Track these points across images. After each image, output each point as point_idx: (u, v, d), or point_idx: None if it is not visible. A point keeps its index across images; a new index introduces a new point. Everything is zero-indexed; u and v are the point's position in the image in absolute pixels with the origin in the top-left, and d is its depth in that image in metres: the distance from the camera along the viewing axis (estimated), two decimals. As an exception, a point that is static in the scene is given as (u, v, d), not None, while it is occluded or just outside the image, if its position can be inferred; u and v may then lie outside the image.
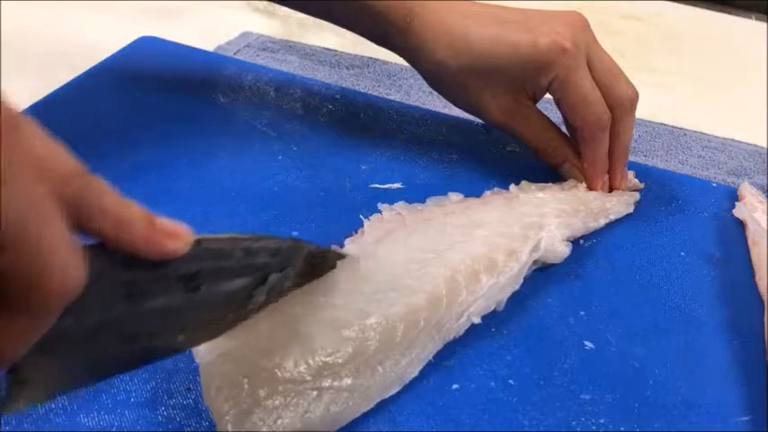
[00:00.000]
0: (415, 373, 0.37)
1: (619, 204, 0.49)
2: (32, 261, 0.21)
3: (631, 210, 0.50)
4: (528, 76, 0.47)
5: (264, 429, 0.32)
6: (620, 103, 0.46)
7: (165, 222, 0.26)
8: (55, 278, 0.22)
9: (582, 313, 0.42)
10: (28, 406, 0.26)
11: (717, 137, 0.61)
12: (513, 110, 0.49)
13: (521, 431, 0.36)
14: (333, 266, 0.37)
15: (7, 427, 0.34)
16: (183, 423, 0.35)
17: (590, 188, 0.49)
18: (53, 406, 0.35)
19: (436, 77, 0.50)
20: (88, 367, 0.27)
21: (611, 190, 0.50)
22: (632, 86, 0.47)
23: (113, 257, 0.25)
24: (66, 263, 0.22)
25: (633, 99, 0.47)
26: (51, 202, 0.22)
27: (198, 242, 0.27)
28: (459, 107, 0.53)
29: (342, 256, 0.38)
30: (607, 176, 0.49)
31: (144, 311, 0.27)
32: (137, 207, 0.25)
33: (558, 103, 0.48)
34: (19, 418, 0.34)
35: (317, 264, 0.36)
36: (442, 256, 0.41)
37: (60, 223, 0.22)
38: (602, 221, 0.48)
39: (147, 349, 0.29)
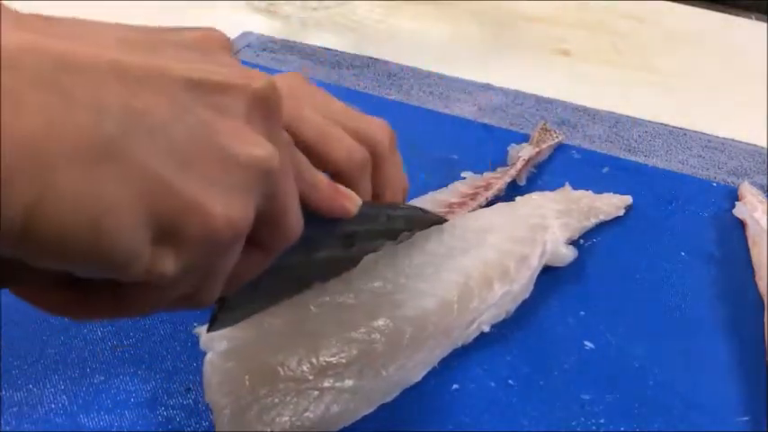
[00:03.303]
0: (419, 377, 0.37)
1: (608, 206, 0.49)
2: (279, 206, 0.25)
3: (622, 212, 0.49)
4: None
5: (261, 427, 0.32)
6: (376, 143, 0.37)
7: (343, 187, 0.31)
8: (290, 222, 0.26)
9: (582, 313, 0.42)
10: (227, 326, 0.32)
11: (717, 137, 0.61)
12: None
13: (521, 431, 0.36)
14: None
15: (7, 428, 0.34)
16: (182, 423, 0.35)
17: None
18: (53, 406, 0.35)
19: None
20: (268, 299, 0.34)
21: None
22: (382, 126, 0.38)
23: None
24: (297, 211, 0.27)
25: (383, 141, 0.37)
26: (288, 161, 0.26)
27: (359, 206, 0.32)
28: None
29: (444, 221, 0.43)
30: None
31: (312, 261, 0.33)
32: (322, 174, 0.30)
33: (304, 153, 0.36)
34: (19, 419, 0.34)
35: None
36: (455, 261, 0.40)
37: (293, 179, 0.26)
38: (593, 221, 0.48)
39: (302, 289, 0.36)
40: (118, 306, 0.23)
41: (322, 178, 0.30)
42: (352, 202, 0.31)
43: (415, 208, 0.41)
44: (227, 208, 0.22)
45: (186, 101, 0.21)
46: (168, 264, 0.21)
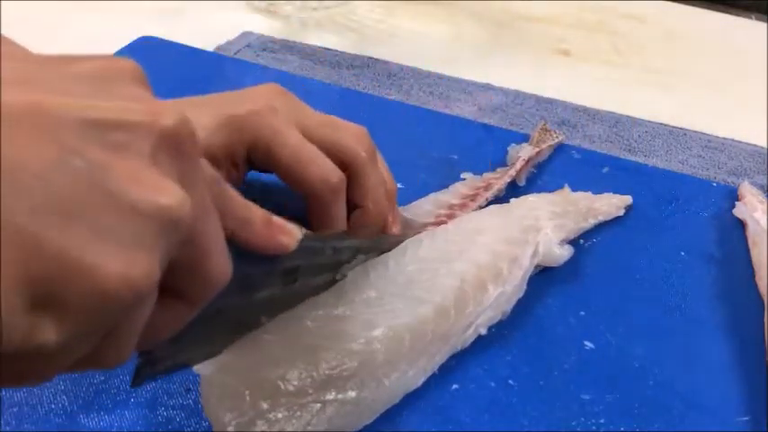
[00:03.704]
0: (419, 383, 0.36)
1: (607, 206, 0.49)
2: (199, 252, 0.23)
3: (621, 212, 0.49)
4: (223, 156, 0.37)
5: None
6: (353, 156, 0.37)
7: (279, 221, 0.29)
8: (214, 269, 0.24)
9: (582, 313, 0.42)
10: (150, 380, 0.30)
11: (717, 137, 0.61)
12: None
13: (521, 431, 0.36)
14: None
15: (7, 428, 0.34)
16: (182, 423, 0.35)
17: None
18: (53, 406, 0.35)
19: None
20: (204, 347, 0.31)
21: None
22: (360, 136, 0.38)
23: (232, 255, 0.27)
24: (222, 255, 0.24)
25: (361, 153, 0.38)
26: (210, 202, 0.24)
27: (300, 240, 0.30)
28: None
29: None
30: None
31: (251, 302, 0.31)
32: (256, 208, 0.27)
33: (280, 175, 0.37)
34: (19, 419, 0.34)
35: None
36: (449, 266, 0.40)
37: (217, 220, 0.24)
38: (592, 221, 0.48)
39: (243, 332, 0.33)
40: (1, 377, 0.20)
41: (255, 212, 0.27)
42: (290, 236, 0.29)
43: (363, 239, 0.38)
44: (125, 265, 0.19)
45: (75, 142, 0.18)
46: (49, 333, 0.18)
